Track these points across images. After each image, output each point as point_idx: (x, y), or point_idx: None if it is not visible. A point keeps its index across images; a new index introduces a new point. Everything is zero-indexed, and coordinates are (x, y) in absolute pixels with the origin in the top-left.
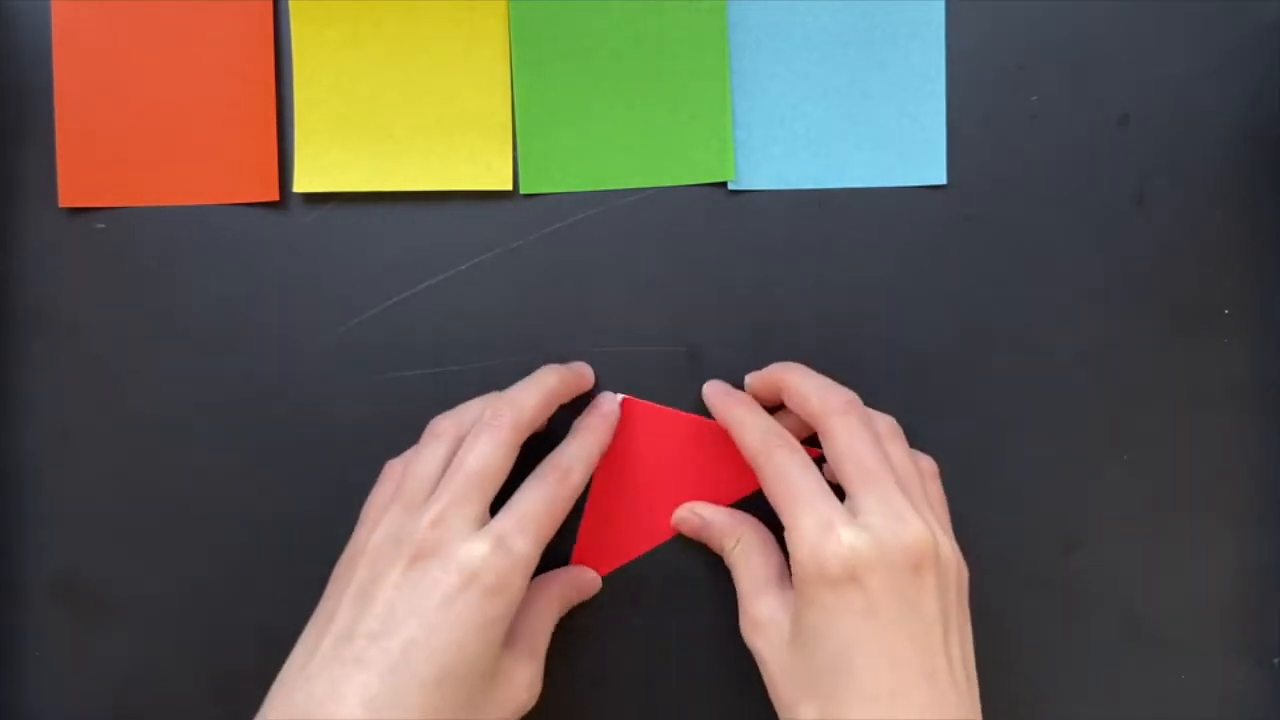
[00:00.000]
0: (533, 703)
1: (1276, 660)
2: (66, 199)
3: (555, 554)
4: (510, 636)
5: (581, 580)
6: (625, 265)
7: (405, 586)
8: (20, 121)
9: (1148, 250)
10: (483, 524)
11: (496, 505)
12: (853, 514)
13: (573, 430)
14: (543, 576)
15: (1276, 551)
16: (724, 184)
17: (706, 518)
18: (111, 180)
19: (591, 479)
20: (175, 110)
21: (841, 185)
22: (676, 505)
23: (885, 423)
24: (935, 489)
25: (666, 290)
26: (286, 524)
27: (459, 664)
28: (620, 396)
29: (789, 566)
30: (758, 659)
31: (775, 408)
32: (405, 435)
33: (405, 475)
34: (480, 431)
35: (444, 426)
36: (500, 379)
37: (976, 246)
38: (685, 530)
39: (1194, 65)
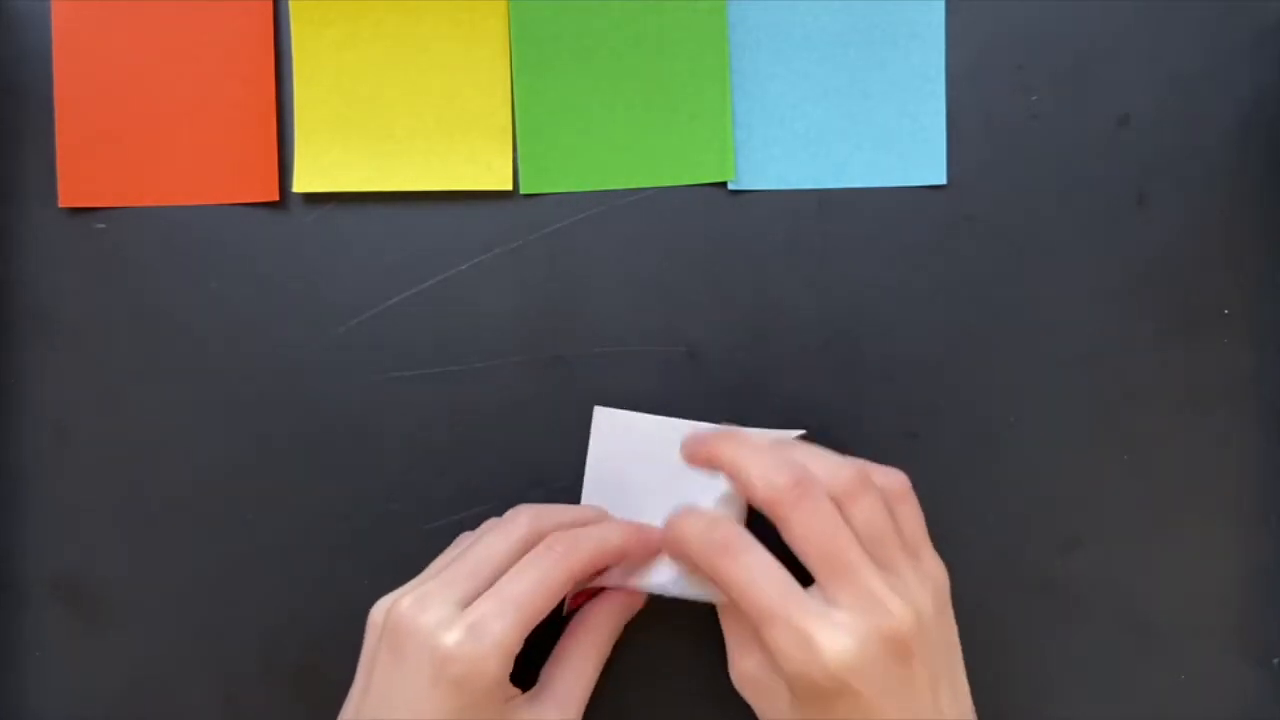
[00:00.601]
0: None
1: (1276, 660)
2: (66, 199)
3: None
4: (539, 687)
5: (626, 606)
6: (625, 265)
7: (390, 673)
8: (20, 121)
9: (1148, 250)
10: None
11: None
12: (826, 611)
13: (603, 520)
14: (579, 617)
15: (1276, 551)
16: (724, 184)
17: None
18: (111, 180)
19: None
20: (175, 110)
21: (841, 185)
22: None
23: (847, 475)
24: (908, 510)
25: (666, 290)
26: (286, 523)
27: None
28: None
29: None
30: (756, 710)
31: None
32: (405, 435)
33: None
34: (496, 530)
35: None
36: (500, 379)
37: (976, 246)
38: (673, 554)
39: (1194, 65)
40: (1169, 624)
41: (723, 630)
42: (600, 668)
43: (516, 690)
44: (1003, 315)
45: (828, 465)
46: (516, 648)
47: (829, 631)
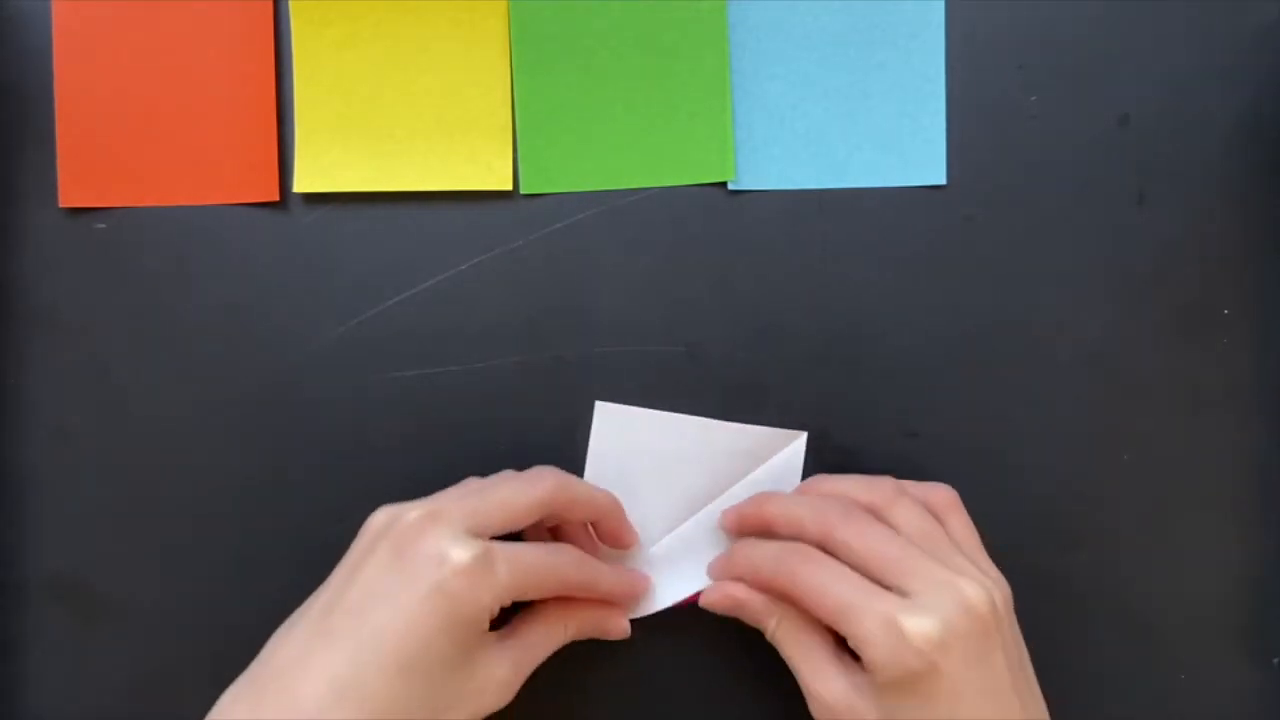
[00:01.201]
0: (501, 705)
1: (1276, 660)
2: (66, 199)
3: None
4: (507, 635)
5: (607, 622)
6: (625, 265)
7: (387, 570)
8: (20, 121)
9: (1148, 250)
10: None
11: None
12: (905, 601)
13: (615, 565)
14: (571, 599)
15: (1276, 551)
16: (724, 184)
17: (740, 598)
18: (111, 180)
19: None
20: (175, 110)
21: (841, 185)
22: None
23: (882, 488)
24: (958, 521)
25: (666, 290)
26: (286, 524)
27: (422, 658)
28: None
29: (837, 639)
30: None
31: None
32: (405, 435)
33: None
34: (522, 476)
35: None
36: (500, 379)
37: (976, 246)
38: (719, 610)
39: (1194, 65)
40: (1169, 624)
41: (789, 658)
42: (558, 646)
43: (486, 629)
44: (1003, 315)
45: (862, 484)
46: (508, 600)
47: (913, 615)
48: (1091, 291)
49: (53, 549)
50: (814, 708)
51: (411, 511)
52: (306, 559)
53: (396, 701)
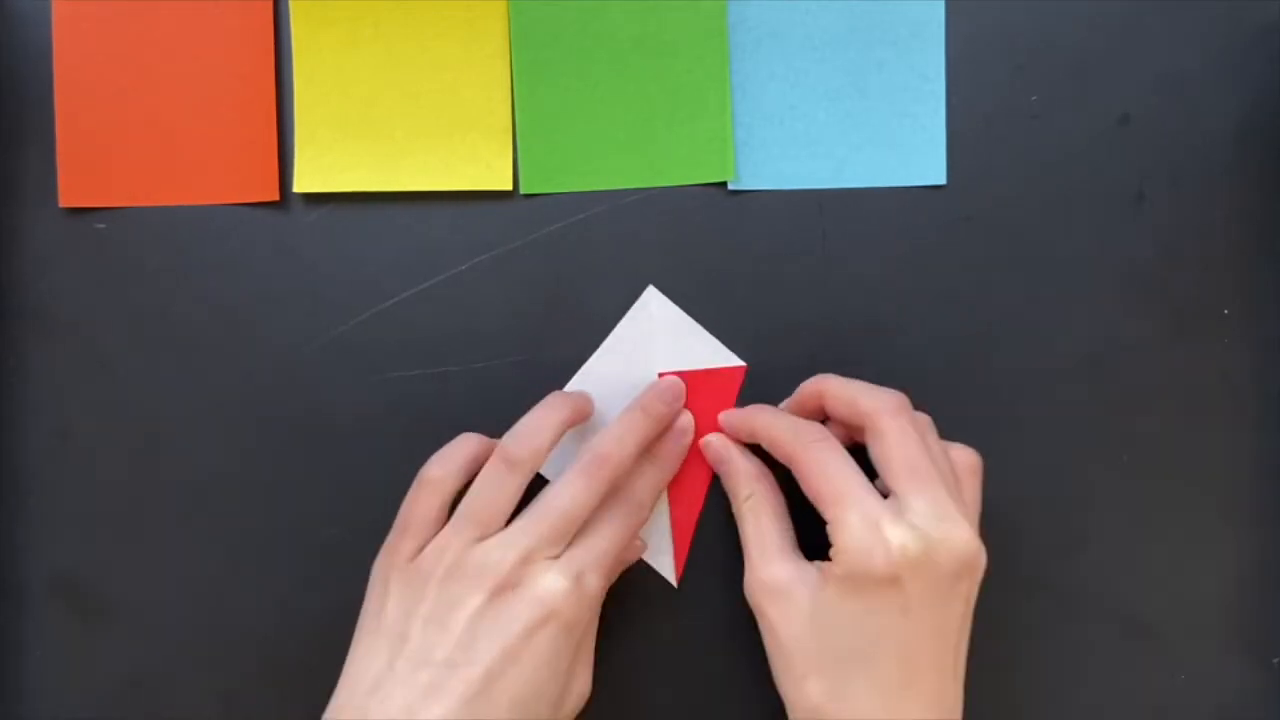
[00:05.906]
0: (583, 703)
1: (1276, 660)
2: (66, 199)
3: None
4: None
5: (625, 553)
6: (625, 265)
7: (488, 618)
8: (20, 121)
9: (1148, 250)
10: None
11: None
12: (899, 512)
13: (648, 457)
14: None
15: (1276, 551)
16: (724, 184)
17: (733, 457)
18: (111, 180)
19: None
20: (175, 110)
21: (841, 185)
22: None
23: (924, 420)
24: (973, 486)
25: (666, 290)
26: (286, 524)
27: (534, 693)
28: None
29: (795, 535)
30: (764, 622)
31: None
32: (405, 435)
33: (474, 499)
34: (579, 476)
35: (520, 455)
36: (500, 379)
37: (976, 246)
38: (709, 455)
39: (1194, 65)
40: (1169, 624)
41: (744, 535)
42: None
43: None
44: (1003, 315)
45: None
46: (603, 596)
47: (900, 526)
48: (1091, 291)
49: (53, 549)
50: (751, 582)
51: (509, 554)
52: (306, 559)
53: None
